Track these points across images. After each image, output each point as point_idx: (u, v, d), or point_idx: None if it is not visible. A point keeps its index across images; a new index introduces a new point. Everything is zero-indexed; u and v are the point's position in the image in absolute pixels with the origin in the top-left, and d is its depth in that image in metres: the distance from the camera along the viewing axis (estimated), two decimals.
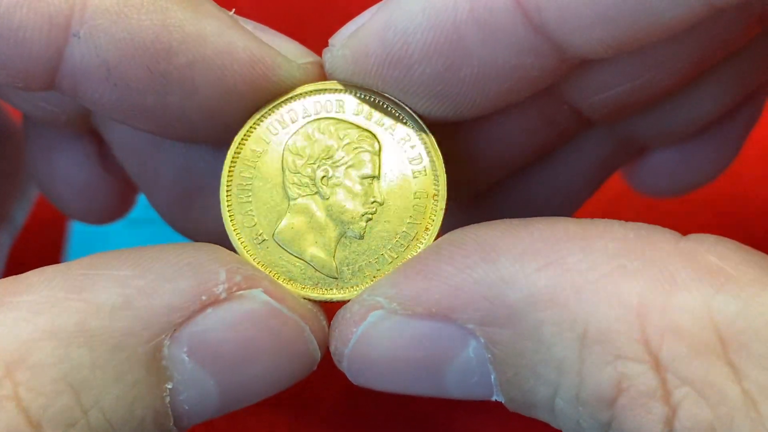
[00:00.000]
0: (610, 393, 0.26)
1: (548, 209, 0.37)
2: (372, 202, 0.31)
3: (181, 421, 0.28)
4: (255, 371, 0.28)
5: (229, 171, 0.31)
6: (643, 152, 0.39)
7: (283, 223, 0.31)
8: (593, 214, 0.45)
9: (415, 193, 0.31)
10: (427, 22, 0.28)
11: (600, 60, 0.30)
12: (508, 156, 0.34)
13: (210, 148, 0.34)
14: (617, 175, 0.41)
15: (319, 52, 0.32)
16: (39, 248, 0.49)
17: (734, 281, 0.26)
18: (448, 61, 0.28)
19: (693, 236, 0.27)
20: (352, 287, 0.31)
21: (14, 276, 0.28)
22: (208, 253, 0.28)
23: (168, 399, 0.27)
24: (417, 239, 0.31)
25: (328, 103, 0.31)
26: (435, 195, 0.31)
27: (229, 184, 0.31)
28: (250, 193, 0.31)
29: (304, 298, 0.30)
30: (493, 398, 0.29)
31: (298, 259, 0.31)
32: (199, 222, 0.36)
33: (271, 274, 0.31)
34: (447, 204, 0.31)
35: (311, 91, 0.31)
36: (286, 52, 0.31)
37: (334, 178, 0.31)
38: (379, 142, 0.31)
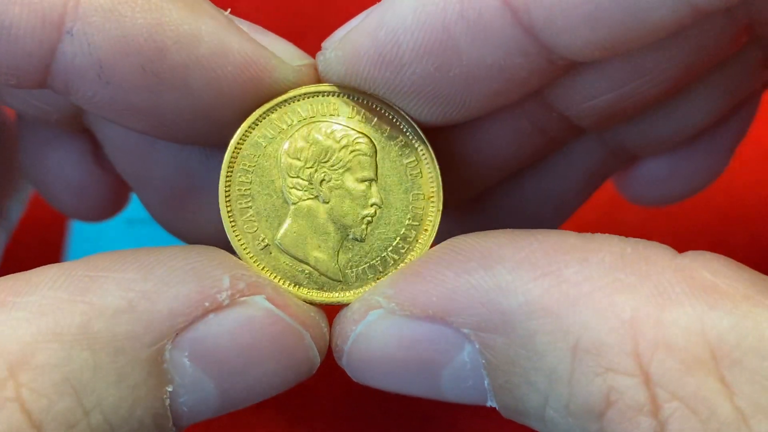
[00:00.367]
0: (600, 405, 0.26)
1: (540, 215, 0.37)
2: (371, 205, 0.31)
3: (180, 421, 0.28)
4: (255, 375, 0.28)
5: (227, 178, 0.31)
6: (634, 161, 0.39)
7: (285, 227, 0.31)
8: (594, 214, 0.45)
9: (413, 194, 0.31)
10: (418, 22, 0.28)
11: (588, 65, 0.30)
12: (500, 161, 0.34)
13: (203, 149, 0.34)
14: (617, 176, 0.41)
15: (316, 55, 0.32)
16: (39, 248, 0.49)
17: (728, 298, 0.26)
18: (438, 61, 0.29)
19: (689, 253, 0.27)
20: (356, 290, 0.31)
21: (16, 274, 0.28)
22: (212, 257, 0.29)
23: (168, 401, 0.28)
24: (417, 241, 0.31)
25: (323, 105, 0.31)
26: (432, 196, 0.31)
27: (227, 191, 0.31)
28: (249, 199, 0.31)
29: (309, 302, 0.31)
30: (488, 404, 0.29)
31: (301, 263, 0.31)
32: (192, 223, 0.36)
33: (276, 279, 0.31)
34: (443, 206, 0.31)
35: (306, 94, 0.31)
36: (282, 54, 0.31)
37: (332, 181, 0.31)
38: (374, 144, 0.31)
